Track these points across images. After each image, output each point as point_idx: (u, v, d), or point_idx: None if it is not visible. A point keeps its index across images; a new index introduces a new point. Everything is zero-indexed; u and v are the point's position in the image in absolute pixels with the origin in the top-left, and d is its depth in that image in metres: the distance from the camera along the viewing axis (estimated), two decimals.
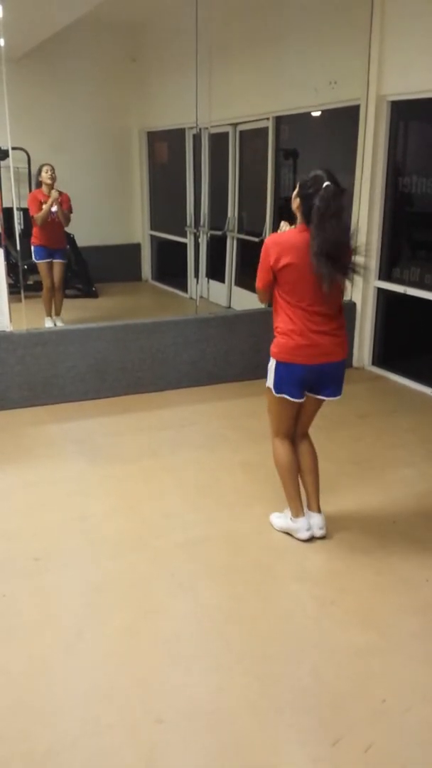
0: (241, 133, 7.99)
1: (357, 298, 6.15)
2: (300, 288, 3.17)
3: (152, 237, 10.26)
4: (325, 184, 3.00)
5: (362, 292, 6.09)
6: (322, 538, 3.46)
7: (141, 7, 8.16)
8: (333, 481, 4.04)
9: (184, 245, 9.18)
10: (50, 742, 2.28)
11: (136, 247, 10.33)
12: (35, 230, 7.13)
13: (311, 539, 3.43)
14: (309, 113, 6.84)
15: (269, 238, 3.25)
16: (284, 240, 3.18)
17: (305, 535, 3.42)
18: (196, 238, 8.77)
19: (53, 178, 6.98)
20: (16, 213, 7.39)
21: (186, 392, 5.59)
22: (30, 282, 7.77)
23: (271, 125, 7.23)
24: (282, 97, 6.86)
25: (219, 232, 8.42)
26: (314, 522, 3.47)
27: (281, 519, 3.55)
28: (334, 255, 3.04)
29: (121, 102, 9.59)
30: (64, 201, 7.05)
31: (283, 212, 7.45)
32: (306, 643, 2.76)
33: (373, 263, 6.04)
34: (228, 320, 5.87)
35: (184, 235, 9.14)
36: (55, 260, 7.24)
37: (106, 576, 3.18)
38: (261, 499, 3.83)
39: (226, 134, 8.10)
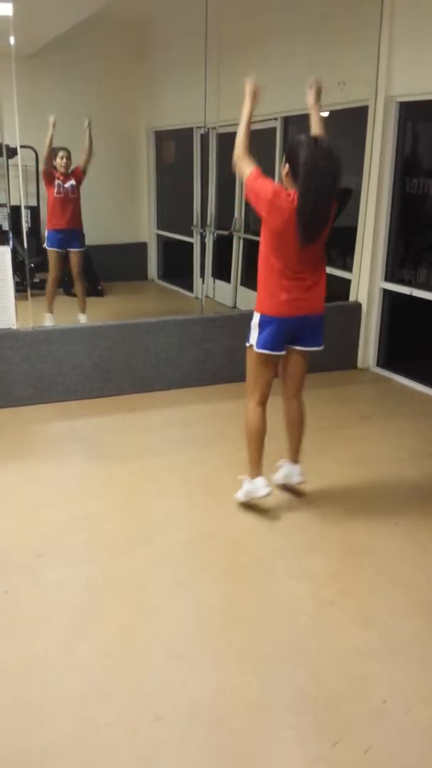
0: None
1: (363, 299, 6.14)
2: (282, 251, 3.28)
3: (159, 236, 10.27)
4: (314, 141, 3.12)
5: (368, 293, 6.09)
6: (301, 484, 3.80)
7: (150, 5, 8.17)
8: (336, 482, 4.04)
9: (191, 245, 9.18)
10: (49, 739, 2.29)
11: (142, 246, 10.34)
12: (49, 211, 7.06)
13: (269, 494, 3.57)
14: None
15: (281, 192, 3.21)
16: (284, 204, 3.18)
17: (264, 491, 3.52)
18: (203, 237, 8.77)
19: (68, 166, 7.00)
20: (23, 211, 7.42)
21: (191, 391, 5.59)
22: (36, 280, 7.78)
23: (279, 125, 7.22)
24: (290, 97, 6.81)
25: (225, 232, 8.42)
26: (294, 470, 3.79)
27: (240, 491, 3.64)
28: (316, 218, 3.16)
29: (129, 101, 9.60)
30: (78, 176, 7.06)
31: None
32: (306, 643, 2.76)
33: (379, 264, 6.03)
34: (233, 320, 5.86)
35: (191, 235, 9.13)
36: (71, 249, 7.14)
37: (107, 573, 3.18)
38: (263, 498, 3.82)
39: (233, 134, 8.07)
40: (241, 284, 8.39)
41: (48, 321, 6.93)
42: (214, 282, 8.87)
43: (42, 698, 2.46)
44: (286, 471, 3.84)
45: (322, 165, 3.08)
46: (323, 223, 3.23)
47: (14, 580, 3.11)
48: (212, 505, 3.81)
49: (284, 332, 3.43)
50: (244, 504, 3.68)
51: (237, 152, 3.43)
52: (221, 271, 8.67)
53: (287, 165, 3.20)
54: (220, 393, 5.55)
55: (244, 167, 3.35)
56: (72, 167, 7.07)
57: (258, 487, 3.56)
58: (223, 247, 8.58)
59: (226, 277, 8.60)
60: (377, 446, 4.63)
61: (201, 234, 8.79)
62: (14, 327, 5.18)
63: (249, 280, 8.17)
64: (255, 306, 3.47)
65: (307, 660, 2.66)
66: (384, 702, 2.45)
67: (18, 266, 6.75)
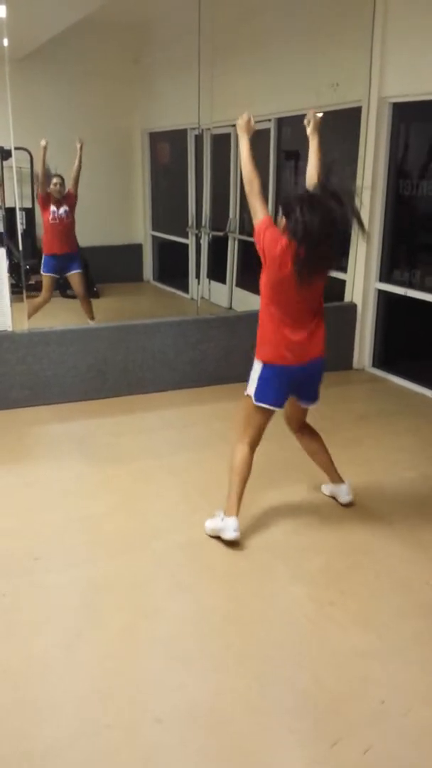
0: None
1: (357, 300, 6.15)
2: (281, 301, 3.26)
3: (154, 237, 10.26)
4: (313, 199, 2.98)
5: (363, 293, 6.10)
6: (351, 504, 3.75)
7: (144, 7, 8.16)
8: None
9: (186, 246, 9.18)
10: (49, 741, 2.29)
11: (137, 248, 10.33)
12: (45, 237, 7.11)
13: (236, 541, 3.38)
14: None
15: (285, 245, 3.12)
16: (287, 260, 3.11)
17: (232, 534, 3.36)
18: (198, 238, 8.77)
19: (61, 192, 7.02)
20: (18, 213, 7.41)
21: (187, 393, 5.60)
22: (32, 282, 7.77)
23: (273, 126, 7.24)
24: (284, 98, 6.86)
25: (220, 233, 8.42)
26: (341, 490, 3.75)
27: (212, 521, 3.49)
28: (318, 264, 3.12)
29: (123, 102, 9.58)
30: (70, 200, 7.08)
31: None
32: (305, 644, 2.76)
33: (374, 265, 6.04)
34: (229, 321, 5.87)
35: (186, 236, 9.14)
36: (71, 273, 7.18)
37: (106, 576, 3.18)
38: (261, 500, 3.83)
39: (228, 135, 8.09)
40: (237, 285, 8.40)
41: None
42: (210, 283, 8.87)
43: (42, 700, 2.46)
44: (332, 489, 3.82)
45: (316, 229, 2.95)
46: (321, 271, 3.20)
47: (13, 582, 3.11)
48: (211, 506, 3.80)
49: (287, 384, 3.38)
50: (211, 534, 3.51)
51: (247, 188, 3.33)
52: (217, 272, 8.67)
53: (284, 219, 3.12)
54: (217, 394, 5.56)
55: (257, 209, 3.27)
56: (64, 192, 7.06)
57: (227, 529, 3.37)
58: (218, 248, 8.58)
59: (221, 278, 8.60)
60: (374, 447, 4.64)
61: (196, 235, 8.79)
62: (10, 329, 5.17)
63: (244, 281, 8.18)
64: (256, 354, 3.40)
65: (306, 661, 2.66)
66: (383, 702, 2.45)
67: (13, 268, 6.73)
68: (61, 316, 7.12)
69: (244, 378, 5.69)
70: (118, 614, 2.91)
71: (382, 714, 2.41)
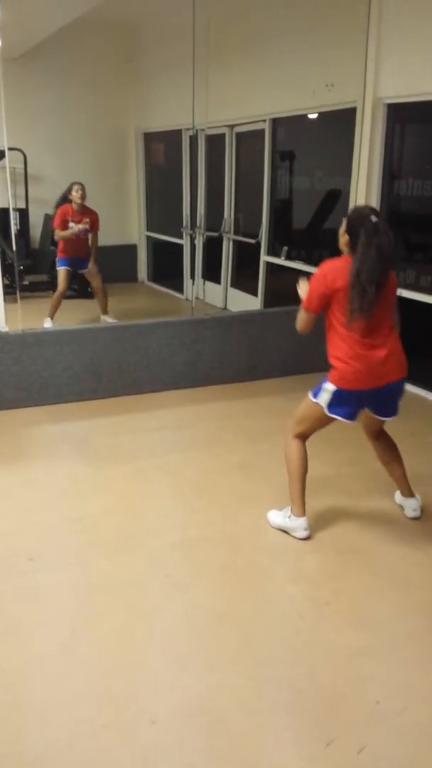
0: (238, 134, 8.00)
1: None
2: (350, 324, 3.23)
3: (148, 238, 10.27)
4: (374, 219, 3.10)
5: None
6: (417, 519, 3.66)
7: (138, 7, 8.16)
8: (330, 483, 4.05)
9: (180, 246, 9.19)
10: (45, 742, 2.28)
11: (132, 248, 10.33)
12: (60, 244, 7.18)
13: (308, 538, 3.45)
14: (306, 115, 6.85)
15: (325, 265, 3.24)
16: (339, 265, 3.18)
17: (303, 534, 3.44)
18: (192, 239, 8.77)
19: (83, 198, 7.02)
20: (12, 213, 7.41)
21: (182, 393, 5.60)
22: (26, 282, 7.77)
23: (268, 127, 7.24)
24: (279, 98, 6.87)
25: (215, 234, 8.42)
26: (408, 504, 3.68)
27: (278, 517, 3.55)
28: (371, 280, 3.12)
29: (118, 103, 9.59)
30: (93, 222, 7.11)
31: (279, 215, 7.47)
32: (301, 644, 2.77)
33: None
34: (224, 321, 5.87)
35: (180, 237, 9.14)
36: (84, 270, 7.30)
37: (102, 576, 3.18)
38: (257, 499, 3.84)
39: (222, 136, 8.11)
40: (231, 285, 8.40)
41: (47, 324, 7.04)
42: (204, 283, 8.87)
43: (39, 700, 2.46)
44: (402, 500, 3.75)
45: (383, 242, 3.10)
46: (378, 291, 3.19)
47: (8, 583, 3.11)
48: (207, 506, 3.82)
49: (361, 402, 3.37)
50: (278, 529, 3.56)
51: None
52: (211, 273, 8.68)
53: (347, 236, 3.18)
54: (212, 394, 5.56)
55: (301, 312, 3.36)
56: (85, 200, 7.06)
57: (297, 528, 3.45)
58: (212, 249, 8.59)
59: (216, 279, 8.60)
60: (371, 448, 4.63)
61: (191, 235, 8.80)
62: (4, 329, 5.16)
63: (239, 281, 8.18)
64: (328, 375, 3.34)
65: (303, 661, 2.67)
66: (378, 702, 2.46)
67: (7, 268, 6.73)
68: (58, 316, 7.12)
69: (239, 378, 5.79)
70: (114, 614, 2.91)
71: (377, 713, 2.41)
